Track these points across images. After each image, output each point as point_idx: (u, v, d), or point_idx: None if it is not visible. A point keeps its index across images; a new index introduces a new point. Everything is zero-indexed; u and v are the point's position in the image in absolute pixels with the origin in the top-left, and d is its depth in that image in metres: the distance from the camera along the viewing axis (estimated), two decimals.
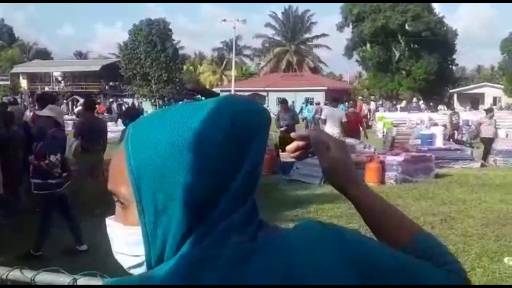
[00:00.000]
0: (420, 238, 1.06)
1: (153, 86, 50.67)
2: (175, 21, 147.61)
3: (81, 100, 25.75)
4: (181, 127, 0.88)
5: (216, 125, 0.88)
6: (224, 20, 55.50)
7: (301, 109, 35.37)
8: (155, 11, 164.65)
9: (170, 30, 51.71)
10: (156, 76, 50.45)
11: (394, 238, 1.06)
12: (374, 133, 25.94)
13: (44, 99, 10.24)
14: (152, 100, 48.91)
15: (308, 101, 41.25)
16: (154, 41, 50.11)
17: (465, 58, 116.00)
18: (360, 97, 38.49)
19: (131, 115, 8.99)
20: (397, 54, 57.50)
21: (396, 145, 16.92)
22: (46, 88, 55.85)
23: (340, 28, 61.51)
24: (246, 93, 55.14)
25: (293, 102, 39.71)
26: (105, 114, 32.75)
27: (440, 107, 45.12)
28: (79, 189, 9.68)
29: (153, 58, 50.06)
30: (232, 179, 0.89)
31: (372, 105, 35.93)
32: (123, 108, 39.95)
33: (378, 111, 35.70)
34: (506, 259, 6.53)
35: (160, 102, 46.10)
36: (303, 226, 0.96)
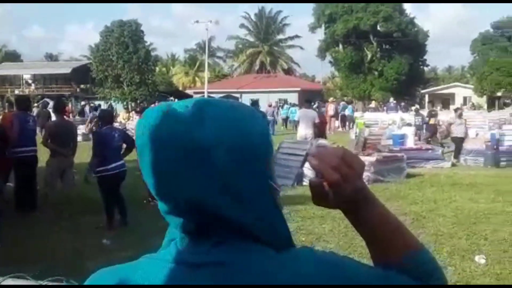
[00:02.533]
0: (411, 256, 1.02)
1: (125, 88, 50.25)
2: (147, 22, 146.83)
3: (51, 103, 25.40)
4: None
5: None
6: (197, 22, 55.33)
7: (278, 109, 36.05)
8: (127, 12, 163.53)
9: (142, 31, 51.36)
10: (128, 78, 50.04)
11: (386, 253, 1.03)
12: (347, 134, 26.13)
13: (19, 102, 10.15)
14: (124, 103, 48.48)
15: (288, 103, 41.81)
16: (126, 42, 49.69)
17: (436, 59, 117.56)
18: (331, 98, 38.68)
19: (106, 119, 8.88)
20: (369, 55, 57.97)
21: (368, 145, 17.01)
22: (16, 91, 54.97)
23: (313, 29, 61.80)
24: (219, 95, 55.09)
25: (282, 104, 40.39)
26: (77, 117, 32.38)
27: (413, 107, 45.59)
28: (49, 192, 9.58)
29: (125, 60, 49.64)
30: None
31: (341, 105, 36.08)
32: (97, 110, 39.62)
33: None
34: (476, 257, 6.60)
35: (133, 104, 45.68)
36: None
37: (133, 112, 26.16)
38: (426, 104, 57.49)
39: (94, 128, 21.08)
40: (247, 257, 0.92)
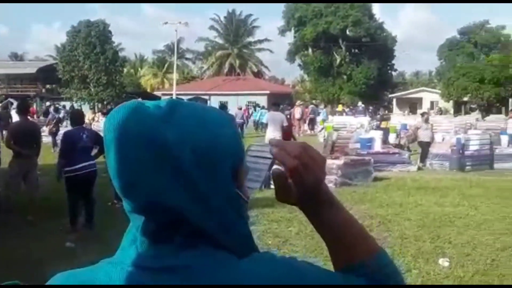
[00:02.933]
0: (370, 260, 1.03)
1: (92, 89, 49.65)
2: (115, 22, 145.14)
3: (15, 103, 24.97)
4: None
5: None
6: (166, 23, 55.10)
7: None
8: (94, 12, 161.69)
9: (110, 32, 50.81)
10: (95, 79, 49.47)
11: (345, 257, 1.03)
12: (316, 137, 26.27)
13: None
14: (91, 104, 47.91)
15: (260, 106, 42.01)
16: (93, 43, 49.10)
17: (404, 63, 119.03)
18: (298, 102, 38.86)
19: (75, 119, 8.76)
20: (338, 59, 58.43)
21: (336, 149, 17.12)
22: None
23: (283, 32, 62.03)
24: (188, 97, 54.80)
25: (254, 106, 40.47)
26: (41, 117, 31.86)
27: (380, 111, 46.08)
28: (12, 194, 9.37)
29: (92, 61, 49.05)
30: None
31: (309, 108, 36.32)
32: (61, 111, 39.02)
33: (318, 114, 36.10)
34: (440, 260, 6.67)
35: (99, 105, 45.13)
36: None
37: (99, 113, 25.82)
38: (394, 108, 58.47)
39: (54, 129, 20.88)
40: (210, 263, 0.91)
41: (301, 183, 0.97)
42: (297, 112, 32.38)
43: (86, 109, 43.60)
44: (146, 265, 0.92)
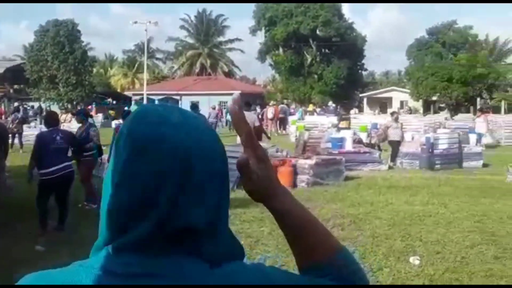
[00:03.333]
0: (334, 258, 1.04)
1: (61, 89, 48.99)
2: (84, 22, 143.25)
3: None
4: None
5: None
6: (136, 22, 54.58)
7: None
8: (62, 11, 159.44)
9: (79, 31, 50.20)
10: (64, 79, 48.83)
11: (310, 256, 1.05)
12: (287, 137, 26.36)
13: None
14: (60, 104, 47.25)
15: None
16: (61, 42, 48.45)
17: (374, 63, 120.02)
18: (272, 102, 38.96)
19: (49, 121, 8.62)
20: (309, 59, 58.70)
21: (307, 148, 17.18)
22: None
23: (253, 31, 62.07)
24: (159, 97, 54.56)
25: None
26: (9, 118, 31.31)
27: (352, 111, 46.51)
28: None
29: (61, 60, 48.40)
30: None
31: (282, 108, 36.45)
32: (29, 112, 38.45)
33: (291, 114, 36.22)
34: (411, 259, 6.74)
35: (69, 105, 44.55)
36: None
37: (69, 114, 25.52)
38: (365, 107, 58.99)
39: (15, 129, 20.54)
40: (178, 271, 0.91)
41: (254, 149, 1.04)
42: (269, 112, 32.46)
43: (55, 109, 43.07)
44: (115, 271, 0.91)
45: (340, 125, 22.10)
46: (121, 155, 0.93)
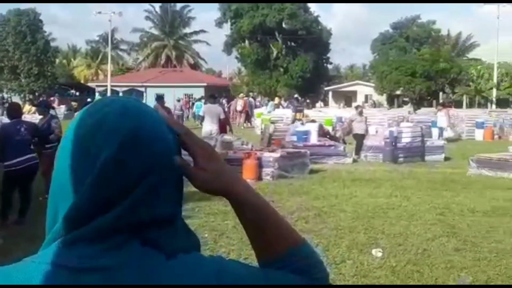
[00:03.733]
0: (294, 250, 1.04)
1: (23, 80, 48.10)
2: (46, 11, 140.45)
3: None
4: None
5: None
6: (99, 13, 53.88)
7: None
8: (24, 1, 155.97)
9: (41, 21, 49.33)
10: (25, 70, 47.94)
11: (271, 249, 1.04)
12: (253, 130, 26.37)
13: None
14: (22, 95, 46.38)
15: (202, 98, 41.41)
16: (23, 32, 47.52)
17: (340, 57, 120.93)
18: (241, 94, 38.87)
19: (12, 112, 8.46)
20: (275, 52, 58.77)
21: (273, 141, 17.22)
22: None
23: (219, 24, 61.84)
24: (123, 89, 53.97)
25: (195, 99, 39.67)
26: None
27: (317, 104, 46.87)
28: None
29: (23, 51, 47.49)
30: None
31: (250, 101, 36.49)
32: None
33: (256, 107, 36.21)
34: (373, 251, 6.81)
35: (31, 96, 43.72)
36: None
37: (30, 105, 25.07)
38: (330, 101, 59.43)
39: None
40: (135, 262, 0.89)
41: (198, 147, 1.01)
42: (238, 104, 32.48)
43: (16, 100, 42.26)
44: (67, 264, 0.88)
45: (296, 117, 22.89)
46: (100, 152, 0.90)
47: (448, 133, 23.54)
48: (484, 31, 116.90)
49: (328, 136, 18.76)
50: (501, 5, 50.74)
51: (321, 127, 19.40)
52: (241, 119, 32.30)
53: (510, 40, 65.63)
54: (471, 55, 63.43)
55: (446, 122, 23.28)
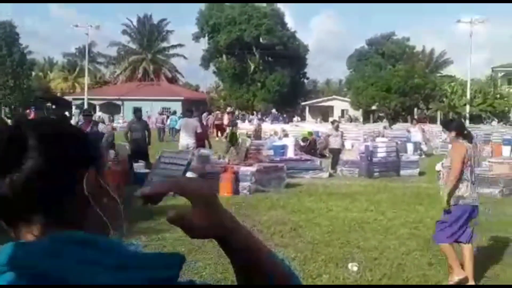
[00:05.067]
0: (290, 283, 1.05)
1: None
2: (22, 24, 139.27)
3: None
4: None
5: None
6: (76, 26, 53.60)
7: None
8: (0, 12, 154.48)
9: (17, 33, 48.96)
10: (1, 82, 47.42)
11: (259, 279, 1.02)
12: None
13: None
14: None
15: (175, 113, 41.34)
16: None
17: (316, 72, 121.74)
18: (228, 108, 38.94)
19: None
20: (252, 66, 59.01)
21: (249, 155, 17.25)
22: None
23: (197, 38, 61.94)
24: (100, 102, 53.65)
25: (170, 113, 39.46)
26: None
27: (294, 119, 47.07)
28: None
29: None
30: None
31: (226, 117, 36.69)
32: None
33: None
34: (350, 265, 6.85)
35: (7, 109, 43.30)
36: None
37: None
38: (307, 115, 59.72)
39: None
40: None
41: (195, 196, 0.96)
42: (225, 118, 32.93)
43: None
44: None
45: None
46: None
47: (424, 148, 23.80)
48: (458, 49, 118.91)
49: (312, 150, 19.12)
50: (474, 23, 51.73)
51: (306, 139, 19.75)
52: (223, 132, 32.50)
53: (483, 57, 66.76)
54: (444, 71, 64.38)
55: (420, 137, 23.57)
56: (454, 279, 6.05)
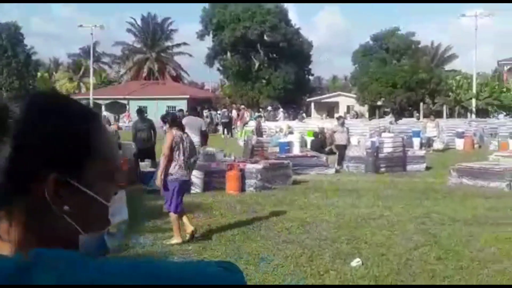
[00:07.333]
0: None
1: (4, 94, 47.67)
2: (27, 25, 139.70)
3: None
4: None
5: None
6: (81, 26, 53.70)
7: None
8: (4, 13, 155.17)
9: (22, 34, 49.08)
10: (7, 83, 47.60)
11: None
12: (235, 141, 26.37)
13: None
14: None
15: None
16: (4, 46, 47.24)
17: (321, 68, 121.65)
18: (243, 106, 39.08)
19: None
20: (257, 64, 58.90)
21: (255, 153, 17.26)
22: None
23: (201, 36, 61.85)
24: (106, 101, 53.73)
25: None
26: None
27: (301, 116, 46.96)
28: None
29: (4, 64, 47.21)
30: None
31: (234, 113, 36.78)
32: None
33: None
34: (356, 261, 6.83)
35: None
36: None
37: None
38: (312, 112, 59.64)
39: None
40: None
41: None
42: (246, 115, 33.13)
43: None
44: None
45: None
46: None
47: (438, 145, 23.64)
48: (462, 43, 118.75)
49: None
50: (479, 17, 51.51)
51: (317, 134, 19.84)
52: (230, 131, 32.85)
53: (489, 51, 66.50)
54: (450, 66, 64.17)
55: (437, 133, 23.51)
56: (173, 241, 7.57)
